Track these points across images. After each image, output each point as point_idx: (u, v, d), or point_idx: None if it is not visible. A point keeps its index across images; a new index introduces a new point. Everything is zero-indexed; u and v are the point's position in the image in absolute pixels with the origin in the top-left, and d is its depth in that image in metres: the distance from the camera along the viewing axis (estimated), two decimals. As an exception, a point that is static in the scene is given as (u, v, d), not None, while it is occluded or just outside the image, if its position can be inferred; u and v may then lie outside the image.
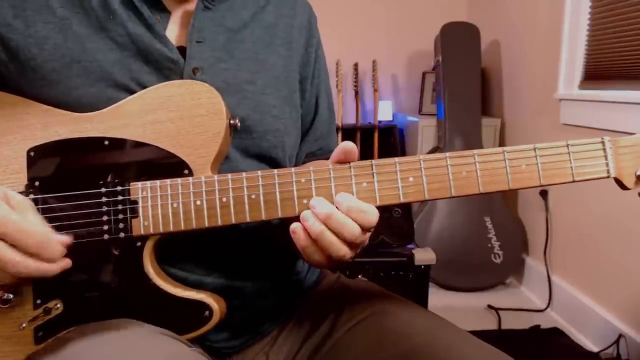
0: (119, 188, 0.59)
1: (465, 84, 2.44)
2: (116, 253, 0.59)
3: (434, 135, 2.56)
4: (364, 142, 2.69)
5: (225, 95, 0.62)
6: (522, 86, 2.37)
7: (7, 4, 0.64)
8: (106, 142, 0.61)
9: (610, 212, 1.78)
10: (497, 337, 1.87)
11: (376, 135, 2.70)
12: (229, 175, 0.59)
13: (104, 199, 0.59)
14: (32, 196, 0.59)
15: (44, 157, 0.61)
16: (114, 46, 0.64)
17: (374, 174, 0.58)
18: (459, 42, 2.47)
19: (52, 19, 0.64)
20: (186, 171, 0.60)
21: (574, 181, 0.60)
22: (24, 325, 0.59)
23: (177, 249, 0.63)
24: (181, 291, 0.60)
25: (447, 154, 0.59)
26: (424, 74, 2.82)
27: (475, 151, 0.59)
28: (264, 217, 0.58)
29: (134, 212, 0.59)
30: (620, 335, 1.69)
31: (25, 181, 0.60)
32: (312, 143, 0.82)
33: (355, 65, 2.72)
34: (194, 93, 0.61)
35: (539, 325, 1.95)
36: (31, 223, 0.54)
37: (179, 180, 0.59)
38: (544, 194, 2.17)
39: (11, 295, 0.58)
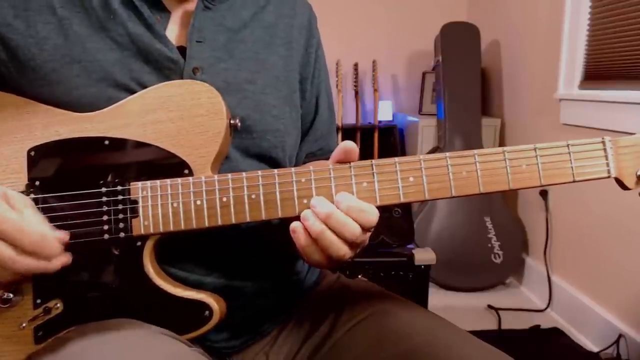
0: (119, 188, 0.59)
1: (465, 84, 2.44)
2: (116, 253, 0.59)
3: (434, 135, 2.56)
4: (364, 142, 2.69)
5: (226, 95, 0.62)
6: (522, 86, 2.37)
7: (8, 4, 0.64)
8: (106, 142, 0.61)
9: (610, 212, 1.78)
10: (497, 337, 1.87)
11: (376, 135, 2.70)
12: (229, 175, 0.59)
13: (104, 199, 0.59)
14: (32, 196, 0.59)
15: (45, 156, 0.61)
16: (114, 46, 0.64)
17: (374, 174, 0.58)
18: (459, 42, 2.47)
19: (53, 19, 0.64)
20: (186, 171, 0.60)
21: (574, 181, 0.60)
22: (23, 324, 0.59)
23: (177, 248, 0.63)
24: (181, 291, 0.60)
25: (448, 154, 0.59)
26: (424, 74, 2.82)
27: (476, 151, 0.59)
28: (264, 217, 0.58)
29: (134, 212, 0.59)
30: (620, 335, 1.69)
31: (25, 181, 0.60)
32: (312, 143, 0.82)
33: (355, 65, 2.72)
34: (194, 93, 0.61)
35: (539, 325, 1.95)
36: (29, 222, 0.54)
37: (179, 180, 0.59)
38: (544, 194, 2.17)
39: (11, 295, 0.58)
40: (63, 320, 0.59)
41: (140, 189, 0.59)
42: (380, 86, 2.77)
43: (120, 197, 0.59)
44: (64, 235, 0.57)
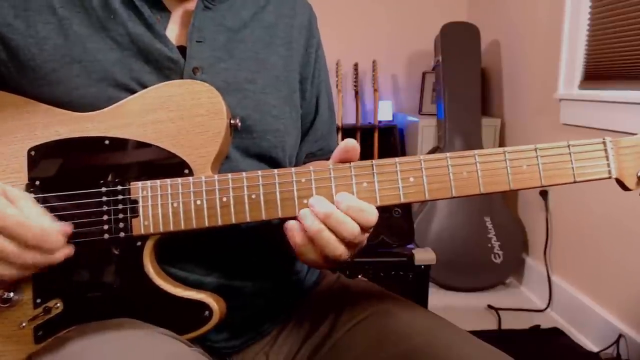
0: (119, 187, 0.59)
1: (465, 84, 2.44)
2: (116, 253, 0.59)
3: (434, 135, 2.56)
4: (364, 142, 2.69)
5: (226, 94, 0.62)
6: (522, 86, 2.37)
7: (8, 4, 0.64)
8: (107, 142, 0.61)
9: (610, 212, 1.78)
10: (497, 337, 1.87)
11: (376, 135, 2.70)
12: (229, 175, 0.59)
13: (104, 199, 0.59)
14: (32, 195, 0.59)
15: (45, 156, 0.61)
16: (114, 46, 0.64)
17: (375, 174, 0.58)
18: (459, 42, 2.47)
19: (53, 19, 0.64)
20: (186, 171, 0.60)
21: (575, 182, 0.60)
22: (23, 324, 0.59)
23: (177, 248, 0.63)
24: (181, 291, 0.60)
25: (448, 154, 0.58)
26: (424, 74, 2.82)
27: (476, 151, 0.59)
28: (264, 217, 0.58)
29: (134, 212, 0.59)
30: (620, 335, 1.69)
31: (25, 180, 0.60)
32: (312, 143, 0.82)
33: (355, 65, 2.72)
34: (194, 93, 0.61)
35: (539, 325, 1.95)
36: (29, 216, 0.54)
37: (179, 180, 0.59)
38: (544, 194, 2.17)
39: (11, 294, 0.58)
40: (63, 319, 0.59)
41: (141, 189, 0.59)
42: (380, 86, 2.77)
43: (120, 197, 0.59)
44: (67, 227, 0.57)
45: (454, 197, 0.58)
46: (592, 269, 1.90)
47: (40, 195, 0.59)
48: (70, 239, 0.58)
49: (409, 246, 1.75)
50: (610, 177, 0.61)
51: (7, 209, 0.52)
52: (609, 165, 0.60)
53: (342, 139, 0.59)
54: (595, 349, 1.78)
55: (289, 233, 0.56)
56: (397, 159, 0.58)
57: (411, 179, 0.58)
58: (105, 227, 0.59)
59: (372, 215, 0.57)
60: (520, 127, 2.41)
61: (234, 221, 0.58)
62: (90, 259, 0.59)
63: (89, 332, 0.54)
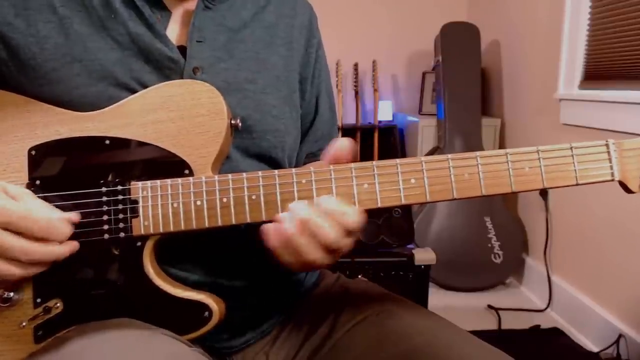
0: (119, 187, 0.59)
1: (465, 84, 2.44)
2: (116, 253, 0.59)
3: (434, 135, 2.56)
4: (364, 142, 2.69)
5: (226, 94, 0.62)
6: (522, 86, 2.37)
7: (8, 3, 0.64)
8: (107, 142, 0.61)
9: (610, 212, 1.78)
10: (497, 337, 1.87)
11: (376, 135, 2.70)
12: (230, 176, 0.59)
13: (104, 199, 0.59)
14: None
15: (45, 156, 0.60)
16: (114, 45, 0.64)
17: (376, 175, 0.58)
18: (459, 42, 2.47)
19: (53, 18, 0.64)
20: (187, 171, 0.60)
21: (577, 184, 0.59)
22: (23, 324, 0.59)
23: (177, 249, 0.63)
24: (181, 291, 0.60)
25: (450, 155, 0.58)
26: (424, 74, 2.82)
27: (478, 153, 0.58)
28: (264, 217, 0.58)
29: (134, 212, 0.59)
30: (620, 335, 1.69)
31: (26, 180, 0.60)
32: (312, 143, 0.81)
33: (355, 65, 2.72)
34: (195, 93, 0.61)
35: (539, 325, 1.96)
36: (33, 208, 0.55)
37: (180, 180, 0.59)
38: (544, 194, 2.17)
39: (11, 294, 0.58)
40: (63, 319, 0.59)
41: (141, 189, 0.59)
42: (380, 86, 2.77)
43: (120, 197, 0.59)
44: (73, 215, 0.57)
45: (455, 199, 0.58)
46: (592, 269, 1.90)
47: (40, 195, 0.59)
48: (72, 238, 0.58)
49: (409, 246, 1.75)
50: (613, 180, 0.60)
51: (10, 205, 0.53)
52: (611, 167, 0.60)
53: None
54: (595, 349, 1.78)
55: (264, 236, 0.56)
56: (398, 160, 0.58)
57: (412, 181, 0.58)
58: (105, 227, 0.59)
59: (353, 217, 0.56)
60: (520, 127, 2.41)
61: (234, 222, 0.58)
62: (90, 259, 0.59)
63: (89, 331, 0.54)
